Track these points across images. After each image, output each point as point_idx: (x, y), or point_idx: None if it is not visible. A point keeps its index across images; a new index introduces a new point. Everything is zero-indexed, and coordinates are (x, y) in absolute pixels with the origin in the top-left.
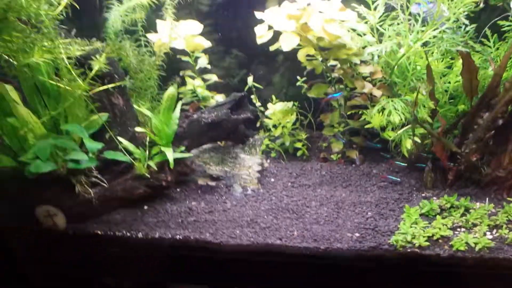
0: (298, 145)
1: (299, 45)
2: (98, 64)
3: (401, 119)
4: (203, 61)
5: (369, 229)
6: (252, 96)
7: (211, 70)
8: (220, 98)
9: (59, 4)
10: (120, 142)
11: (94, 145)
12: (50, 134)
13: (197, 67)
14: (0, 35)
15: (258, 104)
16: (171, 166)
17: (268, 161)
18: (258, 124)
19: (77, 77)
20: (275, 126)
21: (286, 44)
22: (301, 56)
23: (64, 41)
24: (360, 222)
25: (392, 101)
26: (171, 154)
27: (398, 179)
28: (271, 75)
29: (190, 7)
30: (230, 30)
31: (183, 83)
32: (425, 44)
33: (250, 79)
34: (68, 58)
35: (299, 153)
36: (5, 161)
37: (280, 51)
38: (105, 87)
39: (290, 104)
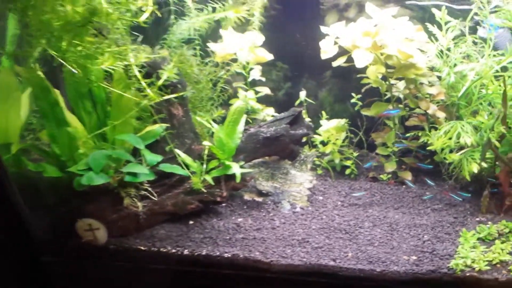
0: (348, 163)
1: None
2: (168, 73)
3: (471, 142)
4: (255, 73)
5: (426, 252)
6: (303, 111)
7: (258, 82)
8: (269, 111)
9: (137, 11)
10: (178, 155)
11: (153, 158)
12: (104, 145)
13: (249, 79)
14: (75, 39)
15: (307, 119)
16: (238, 180)
17: (315, 178)
18: (304, 140)
19: (146, 87)
20: (323, 143)
21: (360, 60)
22: (371, 73)
23: (132, 48)
24: (416, 245)
25: (460, 123)
26: (238, 169)
27: (460, 199)
28: (318, 91)
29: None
30: (278, 43)
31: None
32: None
33: (302, 94)
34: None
35: (347, 171)
36: (50, 171)
37: (328, 66)
38: (168, 96)
39: (343, 121)
